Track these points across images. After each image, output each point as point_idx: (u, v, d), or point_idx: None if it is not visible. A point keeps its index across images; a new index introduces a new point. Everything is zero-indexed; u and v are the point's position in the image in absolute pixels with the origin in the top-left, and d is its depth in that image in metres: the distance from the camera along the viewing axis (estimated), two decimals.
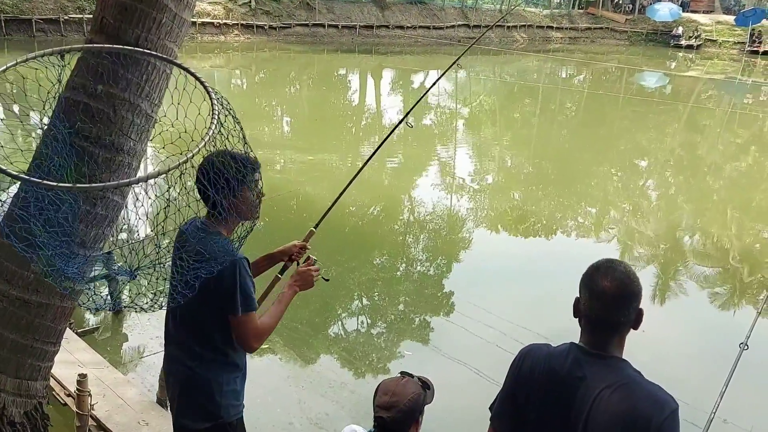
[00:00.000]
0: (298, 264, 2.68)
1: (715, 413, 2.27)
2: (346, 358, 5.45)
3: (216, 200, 2.24)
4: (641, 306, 1.76)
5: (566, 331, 2.08)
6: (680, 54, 35.86)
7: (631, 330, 1.79)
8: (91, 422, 3.69)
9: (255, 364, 5.08)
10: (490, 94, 23.03)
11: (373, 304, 6.72)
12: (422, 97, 2.73)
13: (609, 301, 1.72)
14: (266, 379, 4.91)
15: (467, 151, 14.52)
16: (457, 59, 3.37)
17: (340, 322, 6.24)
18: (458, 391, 4.70)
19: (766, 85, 27.23)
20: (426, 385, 2.10)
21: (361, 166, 2.58)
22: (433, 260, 7.95)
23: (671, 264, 8.22)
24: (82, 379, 3.56)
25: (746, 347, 2.38)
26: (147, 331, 5.57)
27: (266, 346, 5.44)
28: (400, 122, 2.73)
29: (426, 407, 2.09)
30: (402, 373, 2.14)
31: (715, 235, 9.28)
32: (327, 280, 2.79)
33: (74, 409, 3.65)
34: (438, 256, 8.07)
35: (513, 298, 6.70)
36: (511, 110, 20.07)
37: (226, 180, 2.22)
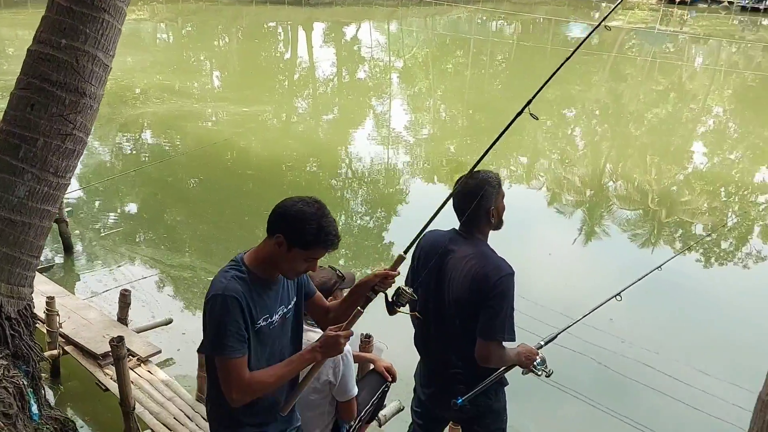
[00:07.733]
0: (386, 296, 2.20)
1: (578, 321, 2.79)
2: None
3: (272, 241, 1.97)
4: (494, 207, 2.40)
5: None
6: (603, 4, 36.77)
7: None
8: (60, 339, 4.18)
9: None
10: (423, 47, 22.99)
11: None
12: (548, 80, 2.32)
13: (457, 196, 2.38)
14: None
15: (401, 103, 14.58)
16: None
17: None
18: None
19: (683, 34, 28.42)
20: (341, 276, 2.67)
21: (475, 162, 2.29)
22: (372, 213, 8.08)
23: (596, 208, 8.69)
24: (50, 301, 4.03)
25: (620, 298, 2.81)
26: (98, 270, 5.82)
27: None
28: (520, 111, 2.28)
29: None
30: (329, 267, 2.69)
31: (636, 179, 9.83)
32: None
33: (44, 329, 4.09)
34: (377, 209, 8.19)
35: None
36: (443, 62, 20.16)
37: (298, 234, 1.94)
